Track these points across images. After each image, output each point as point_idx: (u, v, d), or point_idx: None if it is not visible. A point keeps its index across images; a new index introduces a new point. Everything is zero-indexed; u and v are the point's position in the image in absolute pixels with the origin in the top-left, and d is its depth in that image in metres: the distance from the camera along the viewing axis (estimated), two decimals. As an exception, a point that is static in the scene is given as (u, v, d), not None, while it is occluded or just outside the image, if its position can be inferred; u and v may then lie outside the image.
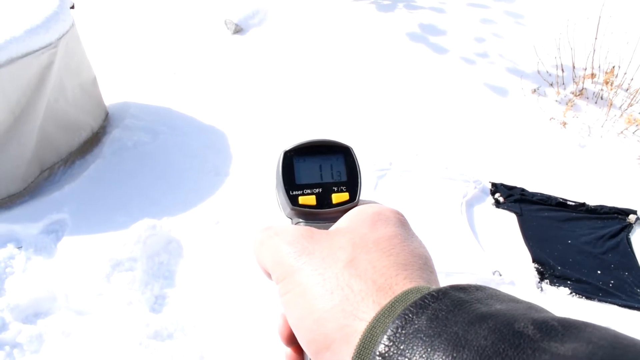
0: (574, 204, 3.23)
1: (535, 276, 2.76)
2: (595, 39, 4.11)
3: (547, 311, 0.33)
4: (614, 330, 0.29)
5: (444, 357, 0.29)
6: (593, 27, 4.15)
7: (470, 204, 3.14)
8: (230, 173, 3.28)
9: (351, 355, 0.34)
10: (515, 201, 3.17)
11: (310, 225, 0.46)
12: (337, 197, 0.49)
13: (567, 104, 3.97)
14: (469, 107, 3.95)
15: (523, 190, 3.25)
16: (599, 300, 2.69)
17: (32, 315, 2.45)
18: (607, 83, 4.02)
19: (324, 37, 4.60)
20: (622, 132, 3.84)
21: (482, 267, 2.72)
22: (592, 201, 3.28)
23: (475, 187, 3.21)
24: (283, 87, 4.02)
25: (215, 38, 4.58)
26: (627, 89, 4.17)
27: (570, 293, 2.70)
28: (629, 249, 3.02)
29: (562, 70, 4.16)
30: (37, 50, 2.86)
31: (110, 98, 3.75)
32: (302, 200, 0.48)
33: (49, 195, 3.03)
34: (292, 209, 0.49)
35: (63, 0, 3.09)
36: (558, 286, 2.73)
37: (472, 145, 3.59)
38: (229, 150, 3.45)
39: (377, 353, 0.32)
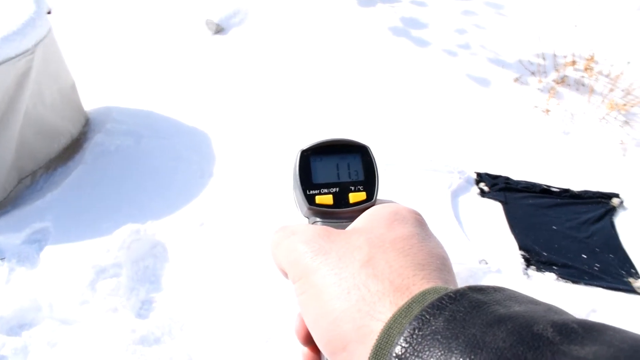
0: (558, 190, 3.24)
1: (521, 263, 2.77)
2: (575, 26, 4.13)
3: (566, 313, 0.32)
4: (634, 333, 0.28)
5: (461, 359, 0.28)
6: (573, 15, 4.16)
7: (455, 194, 3.14)
8: (215, 174, 3.26)
9: (367, 356, 0.34)
10: (500, 190, 3.17)
11: (327, 225, 0.46)
12: (354, 197, 0.48)
13: (549, 92, 3.98)
14: (452, 98, 3.96)
15: (508, 178, 3.26)
16: (585, 284, 2.70)
17: (17, 326, 2.43)
18: (587, 70, 4.04)
19: (306, 35, 4.59)
20: (604, 117, 3.85)
21: (468, 257, 2.72)
22: (576, 187, 3.29)
23: (460, 178, 3.21)
24: (266, 86, 4.01)
25: (196, 39, 4.56)
26: (608, 75, 4.19)
27: (557, 278, 2.71)
28: (613, 232, 3.03)
29: (544, 58, 4.18)
30: (13, 58, 2.84)
31: (92, 103, 3.72)
32: (319, 199, 0.48)
33: (31, 204, 3.00)
34: (309, 209, 0.48)
35: (39, 5, 3.06)
36: (544, 272, 2.74)
37: (456, 136, 3.60)
38: (212, 151, 3.43)
39: (394, 354, 0.31)
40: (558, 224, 3.04)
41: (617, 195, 3.26)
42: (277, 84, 4.03)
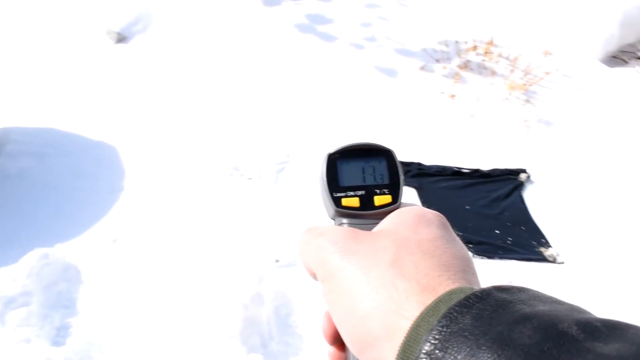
0: (468, 171, 3.36)
1: (438, 245, 2.84)
2: (472, 12, 4.28)
3: (589, 312, 0.33)
4: None
5: (489, 355, 0.29)
6: (471, 1, 4.32)
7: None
8: (126, 188, 3.16)
9: (395, 353, 0.35)
10: (414, 176, 3.25)
11: (353, 226, 0.47)
12: (380, 200, 0.49)
13: (454, 77, 4.11)
14: (361, 91, 4.01)
15: (420, 164, 3.34)
16: (500, 258, 2.81)
17: None
18: (487, 53, 4.20)
19: (213, 37, 4.53)
20: (506, 97, 4.02)
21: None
22: (485, 166, 3.42)
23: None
24: (174, 94, 3.93)
25: (97, 49, 4.40)
26: (508, 57, 4.37)
27: (473, 256, 2.80)
28: (523, 206, 3.17)
29: (446, 45, 4.31)
30: None
31: (-12, 126, 3.52)
32: (345, 202, 0.49)
33: None
34: (335, 211, 0.50)
35: None
36: (461, 251, 2.83)
37: (368, 127, 3.65)
38: (122, 165, 3.32)
39: (424, 351, 0.32)
40: (470, 203, 3.15)
41: (524, 171, 3.42)
42: (186, 90, 3.96)
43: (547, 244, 2.95)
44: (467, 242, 2.88)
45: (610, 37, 4.65)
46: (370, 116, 3.76)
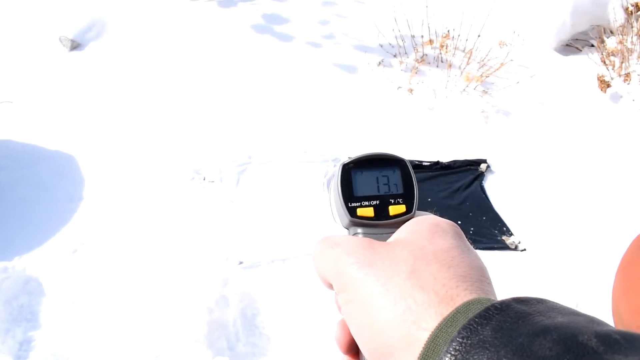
0: (429, 163, 3.39)
1: (401, 238, 2.86)
2: (427, 6, 4.32)
3: (608, 325, 0.33)
4: None
5: None
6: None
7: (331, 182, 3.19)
8: (85, 197, 3.10)
9: None
10: (375, 171, 3.26)
11: (368, 236, 0.47)
12: (394, 209, 0.49)
13: (411, 72, 4.14)
14: (320, 89, 4.02)
15: (381, 159, 3.35)
16: (462, 249, 2.83)
17: None
18: (442, 47, 4.24)
19: (168, 41, 4.48)
20: (464, 89, 4.07)
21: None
22: (445, 158, 3.45)
23: (335, 165, 3.26)
24: (130, 99, 3.87)
25: (51, 57, 4.31)
26: (464, 50, 4.42)
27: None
28: (483, 195, 3.21)
29: (403, 40, 4.33)
30: None
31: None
32: (360, 212, 0.49)
33: None
34: (350, 220, 0.49)
35: None
36: (424, 243, 2.84)
37: (328, 124, 3.66)
38: (80, 174, 3.26)
39: None
40: (432, 195, 3.18)
41: (484, 161, 3.46)
42: (143, 96, 3.90)
43: (508, 232, 2.99)
44: (429, 234, 2.90)
45: (562, 26, 4.74)
46: (330, 113, 3.76)
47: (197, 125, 3.63)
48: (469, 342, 0.32)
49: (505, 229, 3.02)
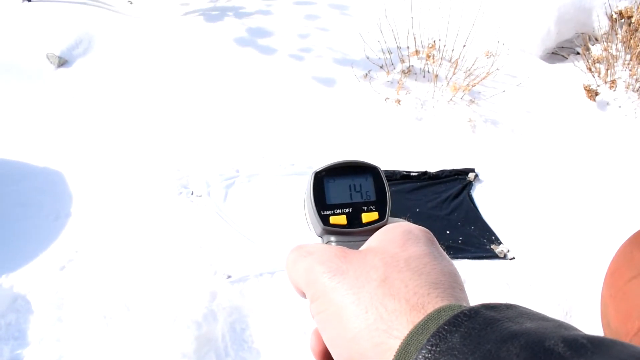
0: (417, 174, 3.39)
1: (390, 249, 2.85)
2: (412, 17, 4.34)
3: (576, 329, 0.34)
4: None
5: None
6: (409, 8, 4.38)
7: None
8: (73, 214, 3.08)
9: None
10: (364, 182, 3.25)
11: (341, 244, 0.47)
12: (367, 217, 0.50)
13: (398, 83, 4.15)
14: (307, 101, 4.02)
15: (369, 170, 3.35)
16: (451, 258, 2.80)
17: None
18: (429, 57, 4.26)
19: (155, 57, 4.48)
20: (451, 99, 4.08)
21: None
22: (433, 168, 3.45)
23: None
24: (118, 115, 3.86)
25: (38, 74, 4.29)
26: (450, 60, 4.45)
27: (424, 257, 2.81)
28: (472, 205, 3.21)
29: (389, 52, 4.35)
30: None
31: None
32: (333, 220, 0.49)
33: None
34: (323, 229, 0.49)
35: None
36: (412, 254, 2.83)
37: (315, 137, 3.66)
38: (68, 190, 3.24)
39: None
40: (420, 205, 3.18)
41: (472, 170, 3.46)
42: (130, 111, 3.90)
43: (497, 241, 2.99)
44: (418, 244, 2.89)
45: (547, 34, 4.78)
46: (318, 125, 3.77)
47: (185, 139, 3.62)
48: (438, 349, 0.33)
49: (494, 237, 3.02)
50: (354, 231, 0.49)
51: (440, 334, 0.33)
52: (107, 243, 2.88)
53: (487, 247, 2.95)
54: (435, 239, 0.46)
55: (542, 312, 0.36)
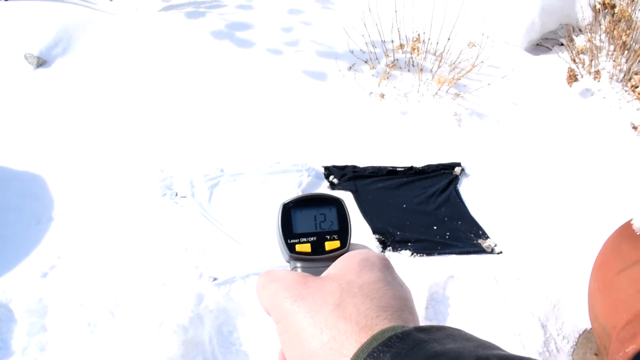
0: (403, 169, 3.37)
1: (377, 247, 2.83)
2: (395, 11, 4.31)
3: (497, 348, 0.38)
4: None
5: None
6: (393, 1, 4.35)
7: (307, 192, 3.15)
8: (55, 218, 3.03)
9: None
10: (349, 179, 3.23)
11: (306, 270, 0.53)
12: (330, 245, 0.55)
13: (382, 77, 4.12)
14: (291, 97, 3.98)
15: (355, 167, 3.33)
16: (439, 254, 2.81)
17: None
18: (413, 50, 4.23)
19: (135, 55, 4.41)
20: (436, 92, 4.06)
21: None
22: (419, 163, 3.43)
23: (309, 175, 3.23)
24: (99, 116, 3.79)
25: (16, 75, 4.21)
26: (435, 53, 4.43)
27: (412, 254, 2.80)
28: (458, 200, 3.20)
29: (374, 46, 4.32)
30: None
31: None
32: (298, 247, 0.55)
33: None
34: (290, 256, 0.55)
35: None
36: (400, 250, 2.82)
37: (300, 133, 3.62)
38: (49, 194, 3.18)
39: None
40: (407, 201, 3.16)
41: (458, 164, 3.45)
42: (111, 112, 3.83)
43: (484, 236, 2.98)
44: (405, 240, 2.87)
45: (532, 25, 4.77)
46: (302, 121, 3.73)
47: (168, 138, 3.57)
48: None
49: (481, 232, 3.01)
50: (317, 258, 0.54)
51: (374, 354, 0.38)
52: (90, 247, 2.83)
53: (474, 241, 2.94)
54: (391, 265, 0.51)
55: (470, 333, 0.41)
